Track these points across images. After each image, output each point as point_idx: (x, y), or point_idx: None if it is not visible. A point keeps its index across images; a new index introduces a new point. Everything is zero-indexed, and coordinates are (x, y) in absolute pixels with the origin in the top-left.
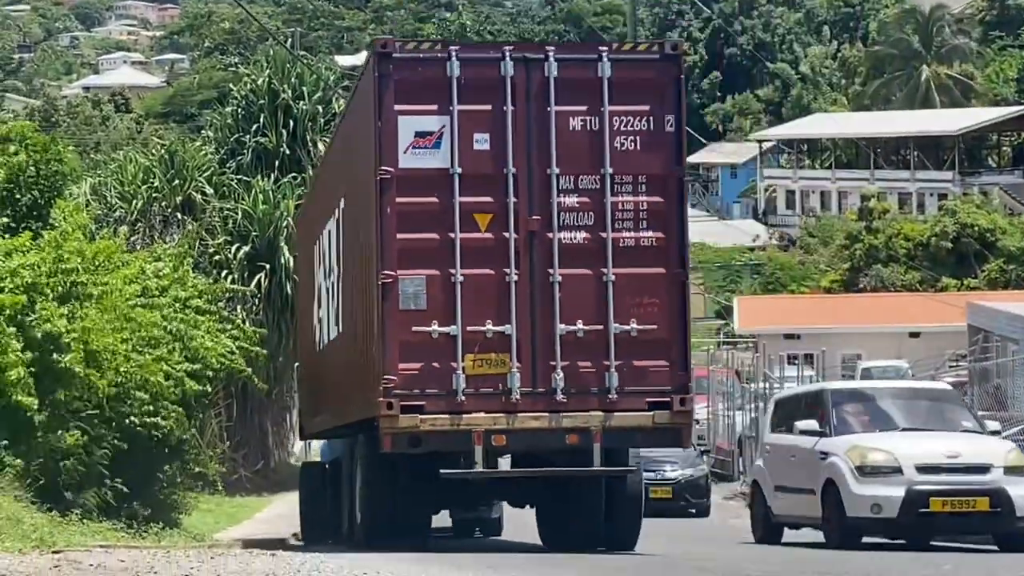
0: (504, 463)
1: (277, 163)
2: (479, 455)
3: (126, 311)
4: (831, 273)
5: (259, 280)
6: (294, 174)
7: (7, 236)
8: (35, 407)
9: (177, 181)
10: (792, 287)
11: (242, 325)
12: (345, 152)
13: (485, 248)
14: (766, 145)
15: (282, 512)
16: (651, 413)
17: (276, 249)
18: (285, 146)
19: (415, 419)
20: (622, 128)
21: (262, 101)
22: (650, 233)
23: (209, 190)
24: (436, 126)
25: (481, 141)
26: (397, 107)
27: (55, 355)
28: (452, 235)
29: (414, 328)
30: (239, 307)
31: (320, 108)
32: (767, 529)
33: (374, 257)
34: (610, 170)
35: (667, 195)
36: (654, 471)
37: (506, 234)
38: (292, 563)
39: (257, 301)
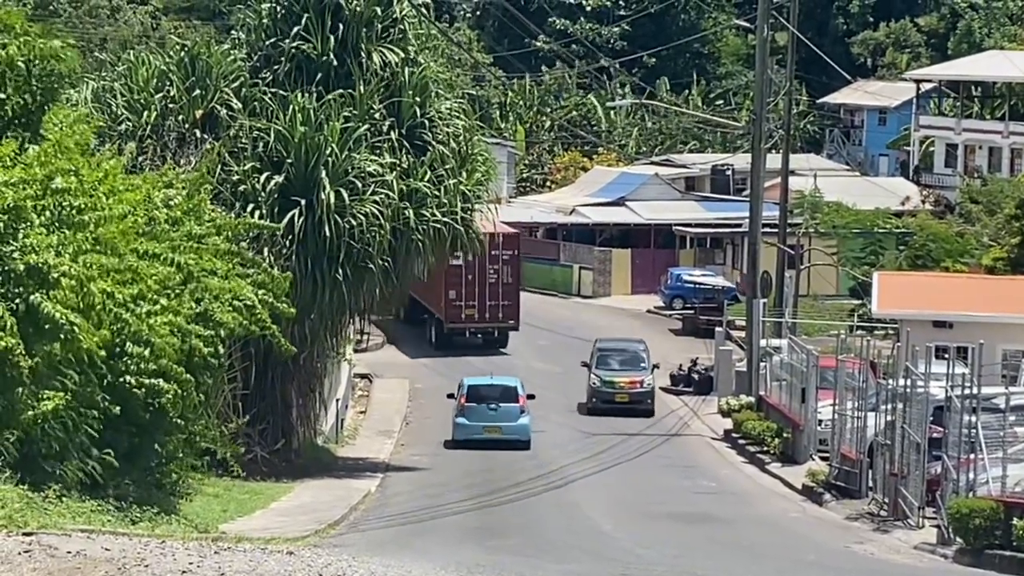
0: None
1: (321, 76)
2: (467, 334)
3: (129, 247)
4: (996, 249)
5: (292, 217)
6: (341, 90)
7: None
8: (19, 351)
9: (198, 91)
10: (946, 263)
11: (269, 270)
12: None
13: (471, 286)
14: (925, 86)
15: (304, 503)
16: (508, 322)
17: (315, 182)
18: (332, 55)
19: (451, 325)
20: (503, 255)
21: None
22: (509, 280)
23: (237, 104)
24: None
25: (468, 267)
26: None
27: (38, 293)
28: (462, 284)
29: (453, 303)
30: (266, 249)
31: (378, 11)
32: None
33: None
34: (501, 265)
35: (514, 276)
36: None
37: (476, 283)
38: (313, 565)
39: (288, 243)
